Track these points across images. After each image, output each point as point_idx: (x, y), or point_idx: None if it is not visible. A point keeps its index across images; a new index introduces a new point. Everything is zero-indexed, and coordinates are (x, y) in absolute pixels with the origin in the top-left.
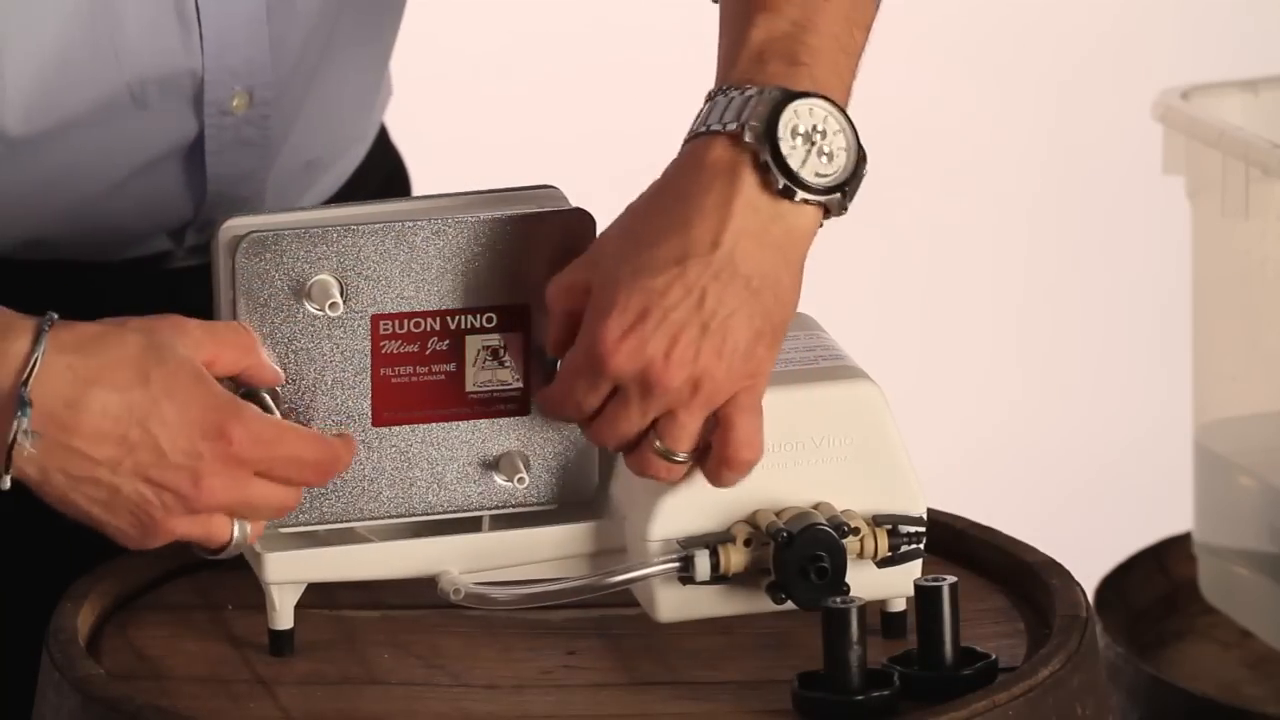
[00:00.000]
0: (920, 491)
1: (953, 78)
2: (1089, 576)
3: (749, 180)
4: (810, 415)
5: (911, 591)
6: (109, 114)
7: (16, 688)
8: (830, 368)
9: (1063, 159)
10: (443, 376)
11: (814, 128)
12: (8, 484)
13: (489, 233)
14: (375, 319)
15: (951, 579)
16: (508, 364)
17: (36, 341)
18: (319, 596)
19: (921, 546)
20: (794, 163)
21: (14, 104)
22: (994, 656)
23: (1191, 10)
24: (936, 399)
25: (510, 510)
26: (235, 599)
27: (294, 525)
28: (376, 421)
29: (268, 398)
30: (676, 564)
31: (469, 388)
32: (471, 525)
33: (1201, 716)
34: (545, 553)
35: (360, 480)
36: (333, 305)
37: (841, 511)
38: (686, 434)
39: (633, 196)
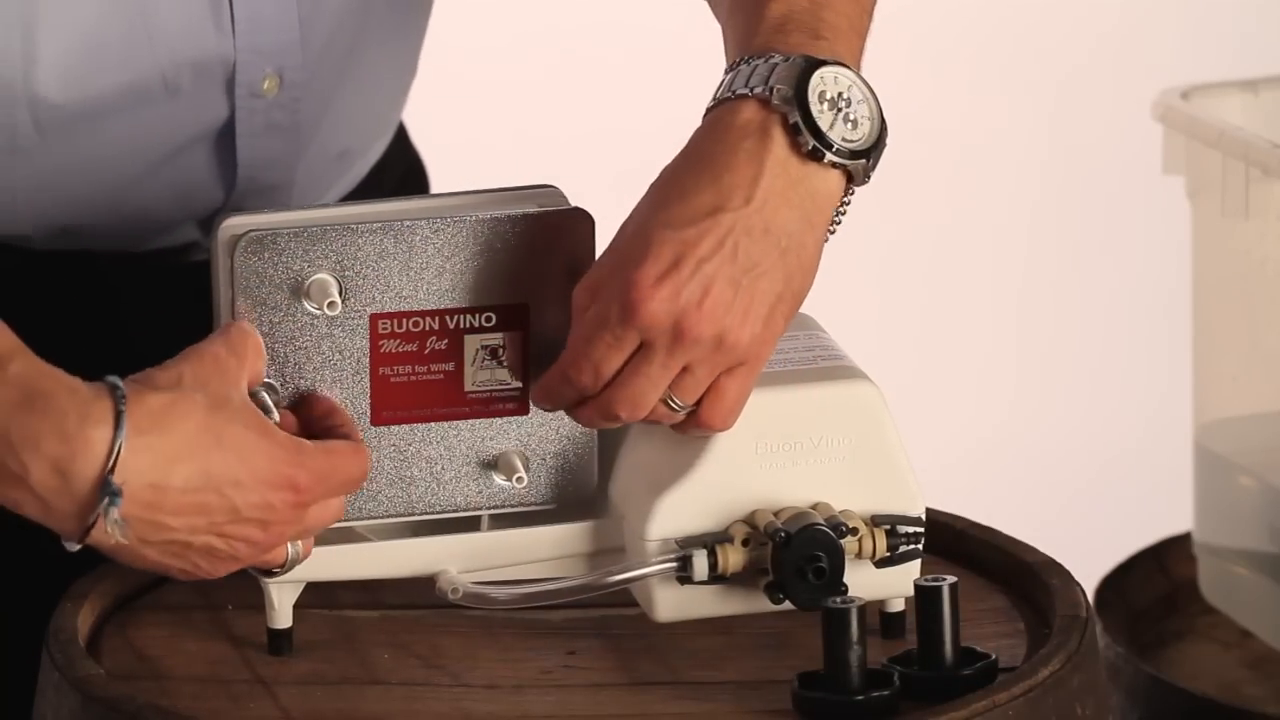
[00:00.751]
0: (919, 492)
1: (953, 78)
2: (1089, 576)
3: (779, 140)
4: (809, 415)
5: (910, 592)
6: (142, 95)
7: (16, 688)
8: (829, 368)
9: (1063, 159)
10: (441, 376)
11: (839, 94)
12: (78, 548)
13: (488, 232)
14: (374, 318)
15: (951, 579)
16: (506, 363)
17: (117, 425)
18: (319, 596)
19: (920, 547)
20: (823, 125)
21: (48, 80)
22: (994, 656)
23: (1191, 10)
24: (936, 399)
25: (509, 510)
26: (235, 599)
27: None
28: (375, 421)
29: (266, 397)
30: (674, 564)
31: (468, 387)
32: (470, 525)
33: (1201, 716)
34: (544, 552)
35: None
36: (331, 304)
37: (840, 512)
38: (698, 387)
39: (633, 196)
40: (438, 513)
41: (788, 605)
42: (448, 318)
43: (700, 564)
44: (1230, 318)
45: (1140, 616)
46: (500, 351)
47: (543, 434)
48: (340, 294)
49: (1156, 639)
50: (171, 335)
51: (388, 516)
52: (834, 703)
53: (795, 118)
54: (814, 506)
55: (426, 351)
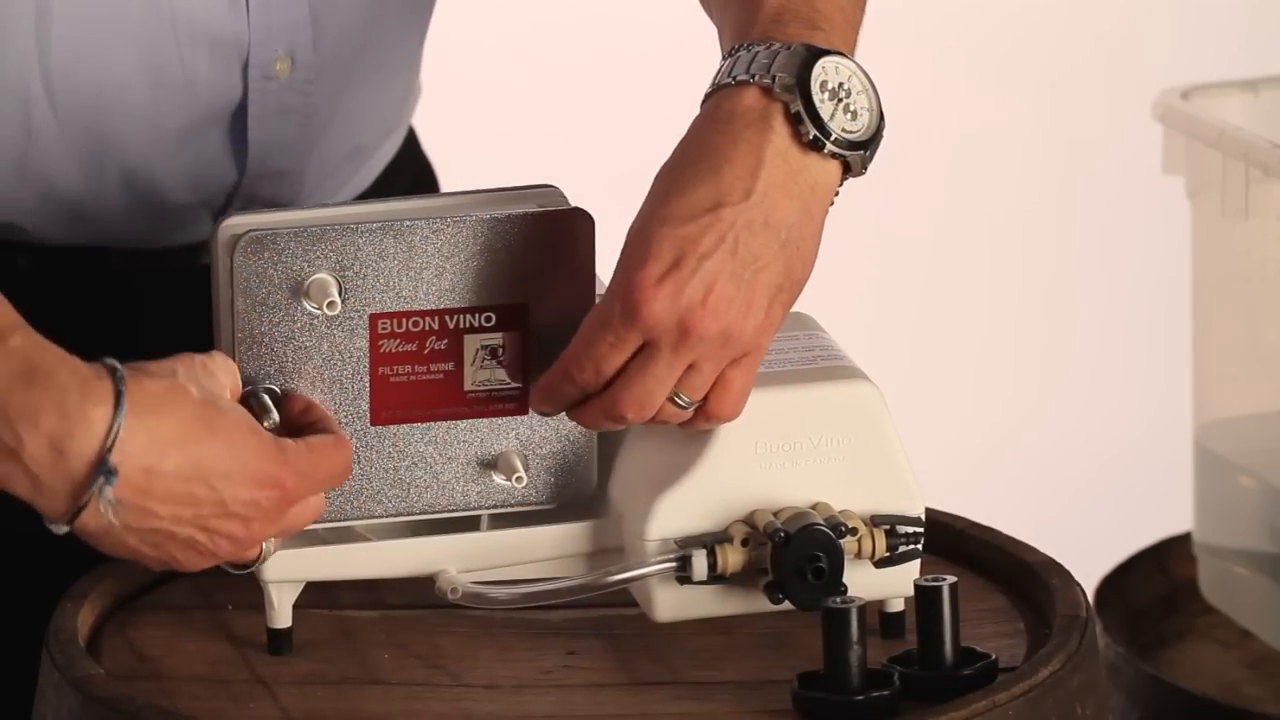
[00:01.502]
0: (918, 492)
1: (952, 78)
2: (1089, 576)
3: (780, 130)
4: (808, 415)
5: (910, 592)
6: (156, 73)
7: (16, 688)
8: (829, 368)
9: (1063, 159)
10: (441, 376)
11: (840, 84)
12: (64, 530)
13: (488, 232)
14: (373, 318)
15: (951, 579)
16: (506, 363)
17: (117, 406)
18: (319, 596)
19: (920, 547)
20: (824, 115)
21: (62, 55)
22: (994, 656)
23: (1191, 10)
24: (936, 399)
25: (508, 509)
26: (235, 599)
27: None
28: (375, 420)
29: (267, 398)
30: (674, 564)
31: (467, 387)
32: (470, 524)
33: (1201, 716)
34: (543, 552)
35: (359, 479)
36: (331, 304)
37: (839, 512)
38: (704, 383)
39: (632, 196)
40: (437, 513)
41: (787, 605)
42: (447, 318)
43: (700, 564)
44: (1230, 318)
45: (1140, 616)
46: (500, 351)
47: (542, 434)
48: (340, 294)
49: (1156, 639)
50: (184, 338)
51: (388, 516)
52: (834, 703)
53: (797, 106)
54: (813, 506)
55: (426, 351)
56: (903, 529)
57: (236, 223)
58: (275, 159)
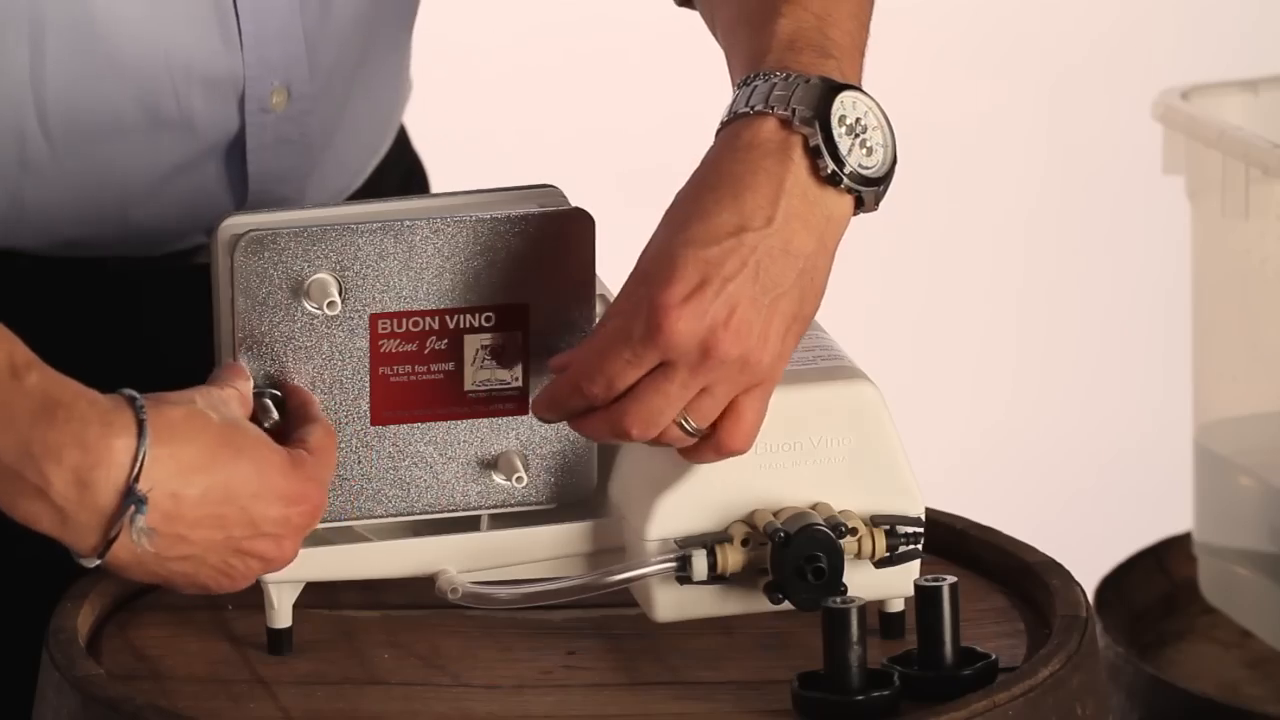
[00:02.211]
0: (918, 492)
1: (952, 78)
2: (1089, 576)
3: (799, 162)
4: (809, 415)
5: (910, 592)
6: (152, 110)
7: (16, 688)
8: (829, 368)
9: (1063, 159)
10: (441, 376)
11: (857, 120)
12: (95, 564)
13: (488, 232)
14: (374, 318)
15: (951, 579)
16: (506, 363)
17: (140, 435)
18: (319, 596)
19: (920, 547)
20: (842, 150)
21: (56, 90)
22: (994, 656)
23: (1191, 10)
24: (936, 399)
25: (508, 509)
26: (235, 599)
27: None
28: (375, 420)
29: (269, 401)
30: (674, 564)
31: (467, 387)
32: (470, 524)
33: (1201, 716)
34: (543, 552)
35: (359, 479)
36: (331, 304)
37: (839, 512)
38: (715, 410)
39: (633, 196)
40: (437, 512)
41: (787, 605)
42: (448, 318)
43: (700, 564)
44: (1230, 318)
45: (1140, 616)
46: (500, 351)
47: (542, 434)
48: (340, 294)
49: (1156, 639)
50: (181, 337)
51: (387, 516)
52: (834, 703)
53: (816, 140)
54: (813, 506)
55: (426, 351)
56: (903, 529)
57: (236, 223)
58: (275, 188)
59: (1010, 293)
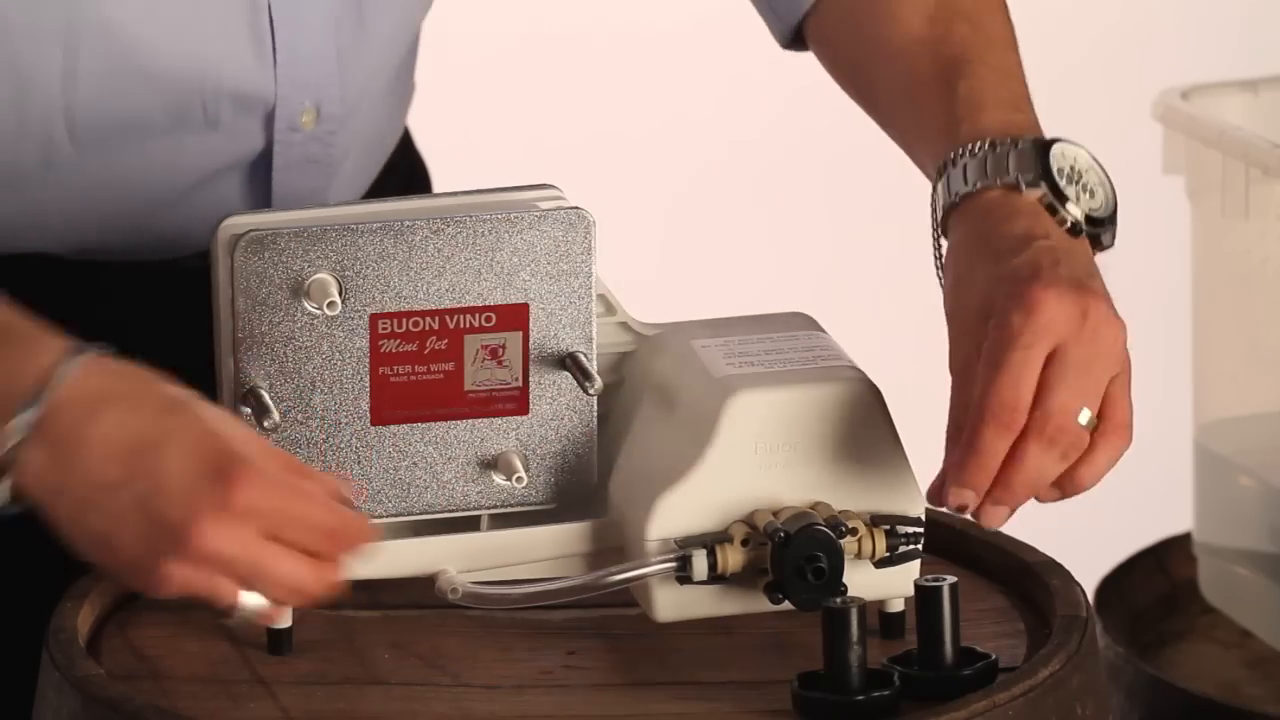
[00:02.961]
0: (919, 492)
1: None
2: (1089, 576)
3: (1045, 216)
4: (808, 415)
5: (910, 592)
6: (179, 120)
7: (16, 688)
8: (829, 368)
9: None
10: (441, 376)
11: (1073, 168)
12: (6, 493)
13: (488, 232)
14: (374, 318)
15: (951, 579)
16: (506, 363)
17: (69, 357)
18: None
19: (920, 547)
20: (1070, 198)
21: (86, 95)
22: (994, 656)
23: (1191, 10)
24: (936, 399)
25: (508, 510)
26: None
27: None
28: (375, 420)
29: (266, 396)
30: (674, 564)
31: (467, 387)
32: (470, 525)
33: (1201, 716)
34: (543, 552)
35: (359, 479)
36: (331, 304)
37: (839, 512)
38: (1098, 390)
39: (633, 196)
40: (437, 513)
41: (787, 605)
42: (448, 318)
43: (700, 564)
44: (1230, 318)
45: (1140, 616)
46: (500, 351)
47: (542, 434)
48: (340, 294)
49: (1156, 639)
50: (183, 335)
51: (387, 516)
52: (834, 703)
53: (1049, 198)
54: (813, 506)
55: (426, 351)
56: (903, 529)
57: (236, 223)
58: (296, 204)
59: None
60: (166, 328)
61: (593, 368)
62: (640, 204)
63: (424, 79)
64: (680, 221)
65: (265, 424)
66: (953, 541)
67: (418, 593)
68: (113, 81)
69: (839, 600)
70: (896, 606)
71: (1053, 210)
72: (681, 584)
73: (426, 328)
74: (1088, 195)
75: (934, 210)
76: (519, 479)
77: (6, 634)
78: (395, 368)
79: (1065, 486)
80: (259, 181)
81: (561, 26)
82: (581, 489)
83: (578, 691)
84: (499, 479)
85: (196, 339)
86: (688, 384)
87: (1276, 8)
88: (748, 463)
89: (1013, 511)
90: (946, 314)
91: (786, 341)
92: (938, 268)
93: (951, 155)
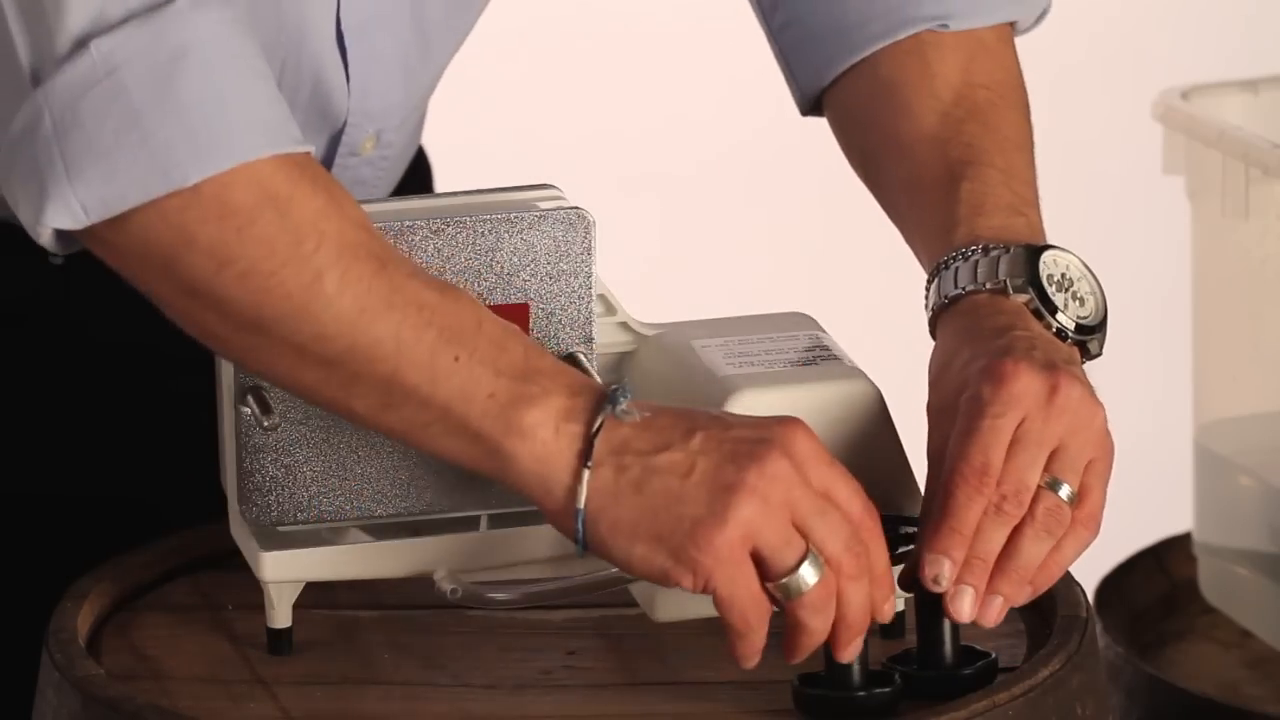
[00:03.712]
0: (919, 492)
1: None
2: (1089, 576)
3: (1033, 320)
4: (808, 415)
5: (910, 592)
6: None
7: (16, 688)
8: (828, 367)
9: (1062, 159)
10: None
11: (1063, 275)
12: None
13: (488, 232)
14: None
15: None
16: None
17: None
18: (319, 596)
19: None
20: (1059, 305)
21: None
22: (994, 656)
23: (1191, 10)
24: None
25: (508, 510)
26: (235, 599)
27: (293, 524)
28: None
29: (266, 396)
30: None
31: None
32: (470, 524)
33: (1201, 716)
34: (543, 552)
35: (359, 479)
36: None
37: None
38: (1075, 466)
39: (633, 197)
40: (437, 512)
41: None
42: None
43: None
44: (1230, 318)
45: (1140, 616)
46: None
47: None
48: None
49: (1156, 639)
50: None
51: (388, 516)
52: (835, 699)
53: (1035, 304)
54: None
55: None
56: (903, 529)
57: None
58: None
59: None
60: (166, 326)
61: (593, 368)
62: (640, 204)
63: None
64: (680, 221)
65: (265, 424)
66: None
67: (418, 593)
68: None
69: None
70: (896, 606)
71: (1039, 315)
72: None
73: None
74: (1077, 303)
75: (927, 312)
76: None
77: (6, 634)
78: None
79: (1035, 579)
80: None
81: (561, 26)
82: None
83: (577, 691)
84: None
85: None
86: (688, 384)
87: (1276, 8)
88: None
89: (1006, 605)
90: (927, 409)
91: (786, 341)
92: (930, 370)
93: (945, 259)
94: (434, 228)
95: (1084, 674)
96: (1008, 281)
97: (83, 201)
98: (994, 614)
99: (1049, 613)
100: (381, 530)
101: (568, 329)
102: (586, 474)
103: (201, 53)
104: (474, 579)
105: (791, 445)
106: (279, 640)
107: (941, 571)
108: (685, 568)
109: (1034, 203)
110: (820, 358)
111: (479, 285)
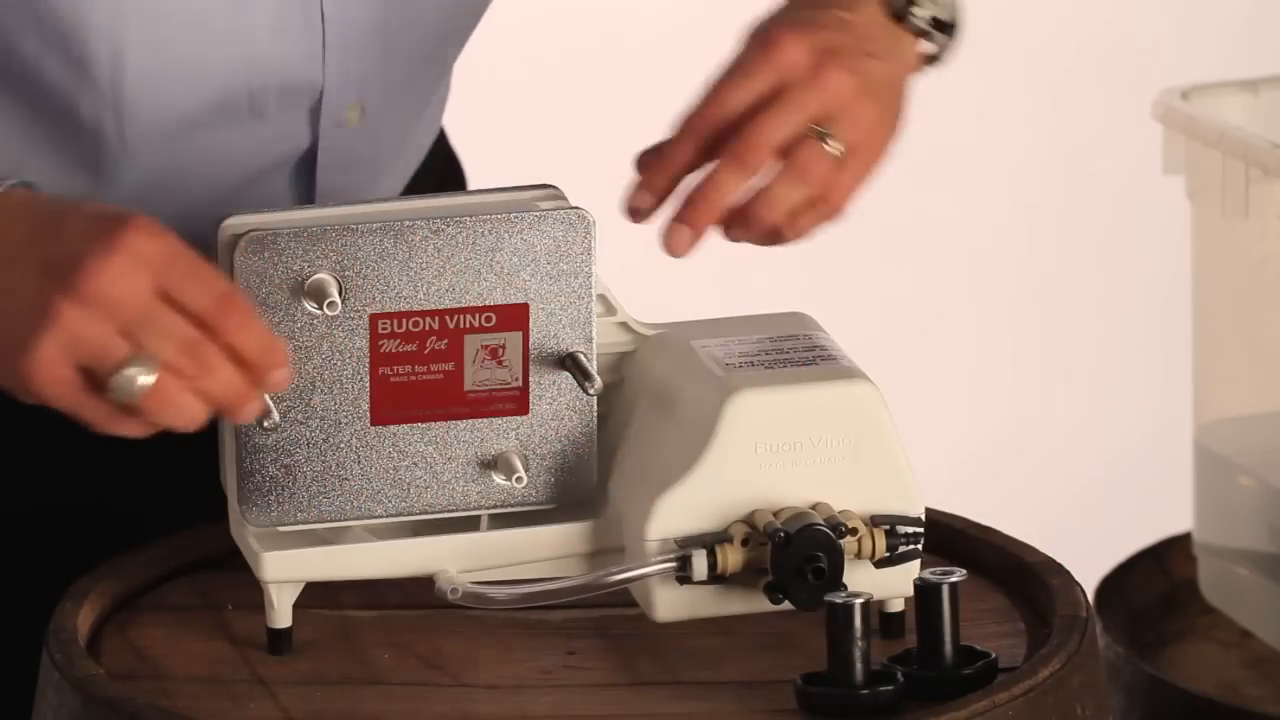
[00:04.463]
0: (918, 492)
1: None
2: (1089, 576)
3: (871, 8)
4: (808, 415)
5: (910, 592)
6: (226, 119)
7: (16, 688)
8: (828, 367)
9: (1063, 159)
10: (441, 376)
11: None
12: None
13: (488, 232)
14: (374, 318)
15: (957, 573)
16: (506, 363)
17: None
18: (319, 596)
19: (920, 547)
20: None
21: (135, 87)
22: (994, 656)
23: (1191, 10)
24: (936, 399)
25: (508, 509)
26: (235, 599)
27: (293, 524)
28: (375, 420)
29: (266, 396)
30: (674, 564)
31: (468, 387)
32: (470, 524)
33: (1201, 716)
34: (543, 552)
35: (359, 479)
36: (331, 304)
37: (839, 512)
38: (853, 129)
39: None
40: (437, 513)
41: (787, 605)
42: (448, 318)
43: (700, 564)
44: (1230, 318)
45: (1140, 616)
46: (500, 351)
47: (542, 434)
48: (340, 294)
49: (1156, 639)
50: None
51: (387, 516)
52: (838, 697)
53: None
54: (813, 507)
55: (426, 351)
56: (903, 529)
57: (237, 223)
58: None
59: (1010, 293)
60: None
61: (593, 368)
62: None
63: None
64: None
65: (265, 424)
66: (953, 541)
67: (418, 593)
68: (160, 68)
69: (843, 595)
70: (896, 606)
71: (900, 18)
72: (681, 584)
73: (426, 328)
74: (932, 2)
75: None
76: (519, 479)
77: (6, 634)
78: (395, 368)
79: (820, 209)
80: (304, 180)
81: (562, 26)
82: (581, 489)
83: (578, 691)
84: (499, 479)
85: None
86: (688, 384)
87: (1276, 8)
88: (748, 463)
89: (696, 237)
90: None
91: (786, 341)
92: None
93: None
94: (434, 228)
95: (1084, 674)
96: None
97: None
98: (682, 240)
99: (1049, 613)
100: (381, 530)
101: (568, 329)
102: None
103: None
104: (474, 579)
105: (115, 254)
106: (279, 640)
107: (641, 205)
108: (21, 390)
109: None
110: (820, 358)
111: (479, 285)
